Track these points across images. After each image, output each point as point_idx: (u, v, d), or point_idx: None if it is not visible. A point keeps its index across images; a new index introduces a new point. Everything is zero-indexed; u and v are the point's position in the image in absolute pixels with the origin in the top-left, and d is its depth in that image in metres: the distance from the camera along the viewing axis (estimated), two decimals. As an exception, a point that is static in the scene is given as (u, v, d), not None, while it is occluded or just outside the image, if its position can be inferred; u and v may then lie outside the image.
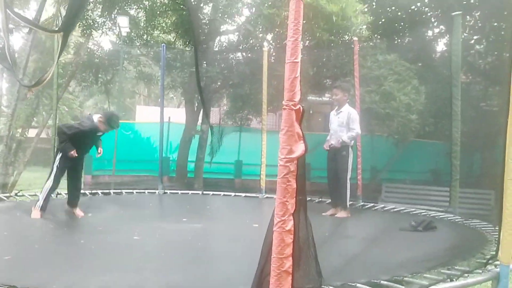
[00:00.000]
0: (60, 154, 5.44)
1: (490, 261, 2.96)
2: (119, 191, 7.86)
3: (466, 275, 2.67)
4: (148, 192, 7.83)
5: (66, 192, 5.92)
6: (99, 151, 5.90)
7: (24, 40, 12.16)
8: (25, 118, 12.01)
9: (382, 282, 2.52)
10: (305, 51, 11.63)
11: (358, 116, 6.09)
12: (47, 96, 12.98)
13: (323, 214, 5.97)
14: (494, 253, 3.10)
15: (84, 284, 2.43)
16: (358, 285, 2.47)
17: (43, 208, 5.25)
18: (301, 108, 2.07)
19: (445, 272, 2.75)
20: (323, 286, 2.34)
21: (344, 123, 5.96)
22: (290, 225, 2.02)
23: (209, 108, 11.81)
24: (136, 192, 7.75)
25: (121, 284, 2.51)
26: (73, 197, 5.71)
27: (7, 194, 7.01)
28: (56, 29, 7.16)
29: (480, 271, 2.78)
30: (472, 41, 11.76)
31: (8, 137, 11.04)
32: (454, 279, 2.57)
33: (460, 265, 2.99)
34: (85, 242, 4.03)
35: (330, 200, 6.33)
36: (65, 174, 5.65)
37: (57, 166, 5.45)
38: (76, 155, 5.35)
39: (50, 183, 5.44)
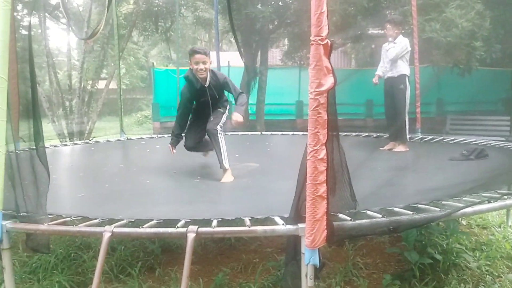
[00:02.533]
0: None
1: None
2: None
3: (505, 197, 2.70)
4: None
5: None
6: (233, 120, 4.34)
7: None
8: (94, 70, 12.63)
9: (419, 205, 2.63)
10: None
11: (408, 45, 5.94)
12: (112, 47, 13.54)
13: (381, 148, 6.01)
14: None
15: (146, 214, 2.75)
16: (395, 209, 2.59)
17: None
18: (329, 42, 2.14)
19: (486, 195, 2.79)
20: (360, 211, 2.49)
21: (400, 54, 5.85)
22: (322, 154, 2.16)
23: (265, 49, 11.81)
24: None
25: (176, 214, 2.80)
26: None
27: (85, 141, 7.67)
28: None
29: (522, 193, 2.80)
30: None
31: (80, 89, 11.80)
32: (491, 201, 2.62)
33: (504, 189, 2.99)
34: (150, 182, 4.42)
35: (387, 135, 6.33)
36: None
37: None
38: (173, 151, 4.66)
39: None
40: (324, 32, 2.10)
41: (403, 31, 6.08)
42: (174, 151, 4.66)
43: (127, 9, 14.82)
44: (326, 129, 2.15)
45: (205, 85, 4.37)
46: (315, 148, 2.14)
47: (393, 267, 3.70)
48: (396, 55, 5.84)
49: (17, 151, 2.53)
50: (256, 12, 10.66)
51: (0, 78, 2.38)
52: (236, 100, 4.46)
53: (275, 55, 17.56)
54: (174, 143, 4.65)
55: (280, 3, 11.98)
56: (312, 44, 2.10)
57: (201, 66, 4.23)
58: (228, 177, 4.28)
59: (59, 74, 14.75)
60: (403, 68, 5.87)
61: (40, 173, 2.54)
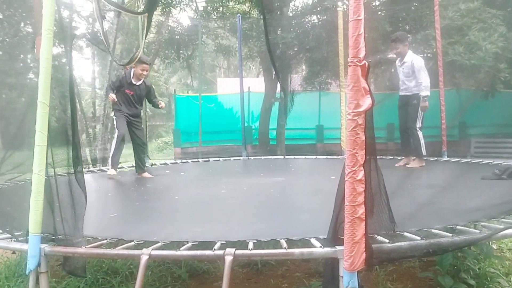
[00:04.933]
0: (113, 110, 6.18)
1: None
2: (207, 159, 8.40)
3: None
4: (233, 159, 8.28)
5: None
6: (160, 105, 6.58)
7: (110, 23, 12.95)
8: (117, 98, 12.83)
9: (458, 227, 2.58)
10: (382, 7, 11.29)
11: (423, 62, 5.92)
12: (136, 75, 13.82)
13: (396, 165, 5.97)
14: None
15: (179, 235, 2.75)
16: (433, 230, 2.55)
17: (114, 165, 6.07)
18: (366, 63, 2.16)
19: (525, 217, 2.74)
20: (398, 232, 2.46)
21: (410, 72, 5.85)
22: (361, 175, 2.14)
23: (286, 74, 11.91)
24: (222, 160, 8.24)
25: (210, 234, 2.80)
26: (138, 164, 6.33)
27: (108, 167, 7.76)
28: (141, 10, 7.62)
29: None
30: None
31: (104, 117, 12.01)
32: (533, 223, 2.57)
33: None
34: (179, 197, 4.49)
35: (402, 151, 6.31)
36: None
37: (115, 118, 6.17)
38: (114, 96, 5.91)
39: (115, 134, 6.17)
40: (362, 54, 2.12)
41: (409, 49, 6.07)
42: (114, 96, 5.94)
43: (148, 38, 15.17)
44: (364, 150, 2.14)
45: (137, 83, 6.09)
46: (353, 169, 2.13)
47: (424, 293, 3.63)
48: (406, 74, 5.85)
49: (57, 175, 2.57)
50: (277, 38, 10.80)
51: (42, 103, 2.44)
52: (154, 102, 6.51)
53: (294, 81, 17.70)
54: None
55: (300, 29, 12.11)
56: (350, 66, 2.12)
57: (145, 72, 6.08)
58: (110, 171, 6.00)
59: (83, 102, 15.06)
60: (418, 85, 5.85)
61: (77, 197, 2.57)
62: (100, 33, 5.45)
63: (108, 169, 6.33)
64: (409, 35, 9.57)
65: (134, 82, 6.08)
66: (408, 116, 5.88)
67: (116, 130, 6.17)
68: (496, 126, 12.43)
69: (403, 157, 6.20)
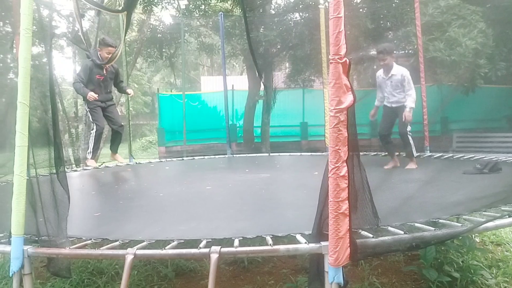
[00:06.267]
0: (86, 102, 6.13)
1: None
2: (191, 157, 8.39)
3: (526, 211, 2.70)
4: (218, 157, 8.29)
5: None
6: (128, 92, 6.61)
7: (92, 22, 12.81)
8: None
9: (440, 220, 2.62)
10: (364, 4, 11.37)
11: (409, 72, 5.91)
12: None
13: (385, 167, 6.00)
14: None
15: (165, 234, 2.74)
16: (416, 224, 2.58)
17: (94, 153, 6.17)
18: (348, 61, 2.18)
19: (506, 209, 2.78)
20: (382, 226, 2.49)
21: (400, 85, 5.74)
22: (344, 171, 2.16)
23: (269, 72, 11.93)
24: (207, 158, 8.24)
25: (196, 232, 2.79)
26: (114, 142, 6.47)
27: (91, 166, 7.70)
28: (120, 8, 7.56)
29: (542, 207, 2.78)
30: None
31: (86, 116, 11.90)
32: (512, 215, 2.62)
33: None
34: (164, 195, 4.46)
35: (386, 153, 6.31)
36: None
37: (89, 111, 6.15)
38: (96, 95, 5.89)
39: (93, 128, 6.14)
40: (343, 51, 2.14)
41: (397, 57, 6.05)
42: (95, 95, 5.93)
43: (130, 37, 15.06)
44: (347, 147, 2.16)
45: (106, 66, 6.04)
46: (337, 165, 2.15)
47: (409, 286, 3.66)
48: (395, 87, 5.77)
49: (39, 175, 2.53)
50: (260, 36, 10.81)
51: (22, 104, 2.41)
52: (121, 86, 6.57)
53: (278, 78, 17.75)
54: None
55: (282, 27, 12.14)
56: (331, 63, 2.14)
57: (113, 54, 5.85)
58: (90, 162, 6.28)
59: (65, 102, 14.90)
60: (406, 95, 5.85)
61: (60, 197, 2.55)
62: (80, 32, 5.42)
63: (87, 159, 6.38)
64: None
65: (103, 66, 6.05)
66: (401, 123, 5.86)
67: (94, 125, 6.09)
68: (477, 121, 12.62)
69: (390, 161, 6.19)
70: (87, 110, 6.15)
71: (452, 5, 8.85)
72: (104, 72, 6.14)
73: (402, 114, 5.73)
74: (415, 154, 5.91)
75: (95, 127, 6.08)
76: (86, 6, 10.21)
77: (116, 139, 6.47)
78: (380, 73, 6.00)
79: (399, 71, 5.77)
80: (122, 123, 6.68)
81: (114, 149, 6.49)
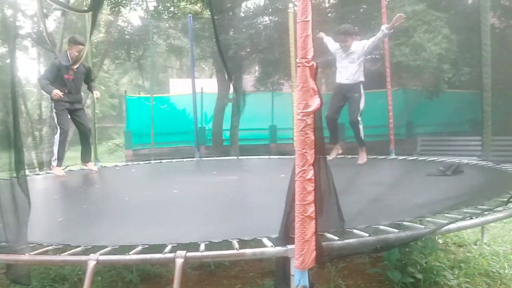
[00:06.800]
0: (53, 103, 5.90)
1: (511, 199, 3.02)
2: (159, 160, 8.30)
3: (486, 213, 2.77)
4: (186, 160, 8.22)
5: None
6: (95, 95, 6.31)
7: (57, 23, 12.53)
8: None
9: (404, 223, 2.66)
10: (332, 8, 11.51)
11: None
12: (84, 76, 13.44)
13: (328, 158, 5.74)
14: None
15: (129, 238, 2.68)
16: (381, 226, 2.61)
17: (59, 160, 5.93)
18: (315, 64, 2.19)
19: (468, 211, 2.85)
20: (347, 229, 2.51)
21: (356, 58, 5.87)
22: (310, 174, 2.17)
23: (239, 75, 11.92)
24: (175, 161, 8.17)
25: (161, 237, 2.75)
26: (85, 152, 6.24)
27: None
28: (86, 8, 7.43)
29: (501, 208, 2.87)
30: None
31: (50, 119, 11.61)
32: (474, 217, 2.68)
33: (484, 205, 3.06)
34: (129, 199, 4.37)
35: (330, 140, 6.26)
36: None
37: (55, 112, 5.92)
38: (61, 93, 5.70)
39: (57, 132, 5.93)
40: (310, 55, 2.15)
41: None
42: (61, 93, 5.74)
43: (97, 38, 14.80)
44: (314, 150, 2.17)
45: (75, 66, 5.78)
46: (303, 168, 2.15)
47: (374, 288, 3.72)
48: (351, 60, 5.88)
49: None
50: (229, 39, 10.79)
51: (-20, 105, 2.33)
52: (92, 86, 6.36)
53: (247, 81, 17.78)
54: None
55: (252, 30, 12.15)
56: (299, 66, 2.15)
57: (80, 53, 5.62)
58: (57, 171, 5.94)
59: (28, 104, 14.51)
60: (360, 75, 5.94)
61: (20, 202, 2.47)
62: (44, 33, 5.30)
63: (53, 167, 6.09)
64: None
65: (72, 66, 5.80)
66: (351, 109, 5.92)
67: (58, 128, 5.88)
68: (441, 125, 12.93)
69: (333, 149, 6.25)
70: (54, 111, 5.94)
71: (418, 11, 9.06)
72: (73, 71, 5.90)
73: (354, 97, 5.80)
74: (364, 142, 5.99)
75: (59, 130, 5.86)
76: (52, 6, 9.99)
77: (85, 146, 6.25)
78: (339, 51, 6.06)
79: (356, 46, 5.89)
80: (90, 129, 6.52)
81: (85, 158, 6.27)
